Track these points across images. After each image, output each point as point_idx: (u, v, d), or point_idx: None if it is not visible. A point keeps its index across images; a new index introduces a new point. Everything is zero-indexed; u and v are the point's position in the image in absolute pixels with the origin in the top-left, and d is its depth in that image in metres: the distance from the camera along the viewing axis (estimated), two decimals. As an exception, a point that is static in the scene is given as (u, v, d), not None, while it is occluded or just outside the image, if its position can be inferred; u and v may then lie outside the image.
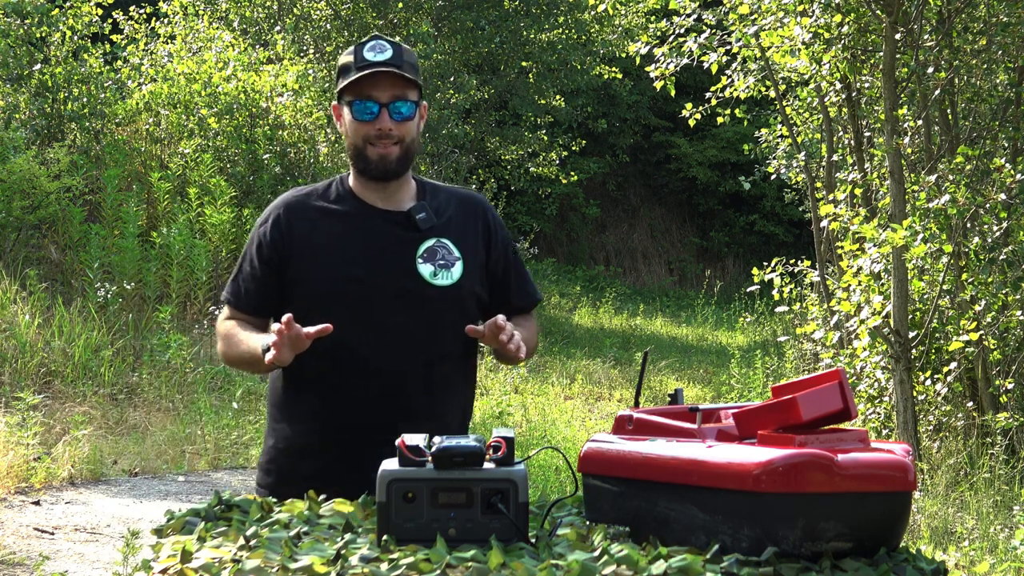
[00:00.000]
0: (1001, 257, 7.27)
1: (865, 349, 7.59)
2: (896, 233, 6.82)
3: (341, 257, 2.74)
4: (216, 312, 10.98)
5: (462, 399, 2.86)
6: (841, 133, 9.77)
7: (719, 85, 9.53)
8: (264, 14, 15.99)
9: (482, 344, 2.78)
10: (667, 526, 2.02)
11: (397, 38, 15.45)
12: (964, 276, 7.46)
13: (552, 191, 20.58)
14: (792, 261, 9.54)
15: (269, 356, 2.54)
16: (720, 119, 10.14)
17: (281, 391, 2.82)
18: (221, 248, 11.55)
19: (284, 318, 2.52)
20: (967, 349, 7.55)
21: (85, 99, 11.95)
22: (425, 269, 2.74)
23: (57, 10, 11.92)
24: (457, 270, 2.77)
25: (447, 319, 2.72)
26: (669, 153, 22.43)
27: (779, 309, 10.36)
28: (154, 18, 14.99)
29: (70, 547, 6.00)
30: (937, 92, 7.65)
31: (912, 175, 8.13)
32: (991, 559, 5.82)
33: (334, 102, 2.84)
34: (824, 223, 8.77)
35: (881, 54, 7.67)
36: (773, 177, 11.94)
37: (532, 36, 17.01)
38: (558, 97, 17.72)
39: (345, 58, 2.78)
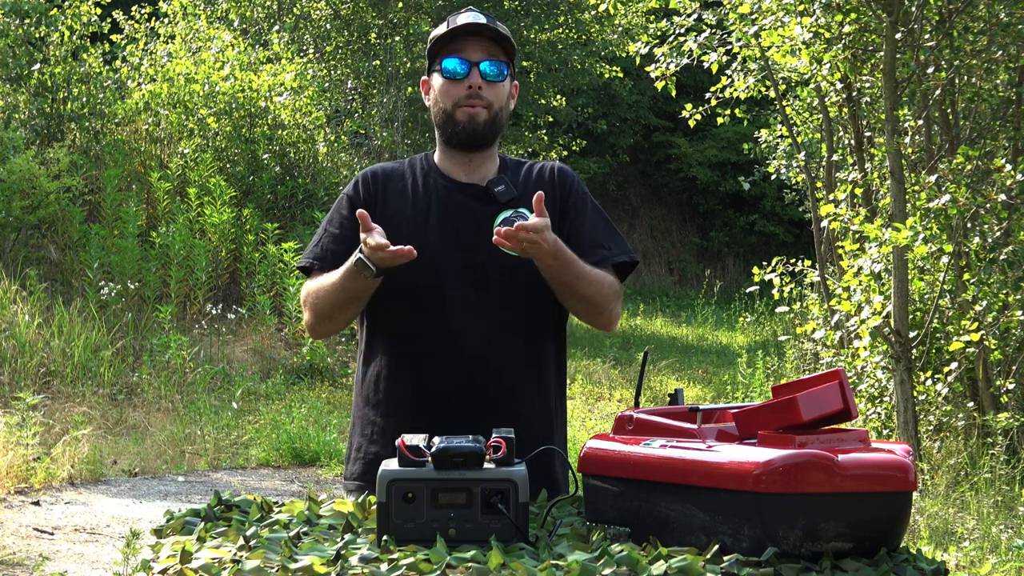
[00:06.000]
0: (1002, 257, 7.26)
1: (866, 349, 7.58)
2: (899, 233, 6.81)
3: (418, 229, 2.68)
4: (214, 311, 10.97)
5: (545, 379, 2.76)
6: (841, 133, 9.76)
7: (719, 85, 9.52)
8: (264, 14, 15.97)
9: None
10: (667, 526, 2.01)
11: (397, 38, 15.44)
12: (965, 276, 7.45)
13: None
14: (792, 261, 9.52)
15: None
16: (720, 119, 10.12)
17: (364, 374, 2.77)
18: (221, 248, 11.54)
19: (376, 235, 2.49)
20: (968, 349, 7.54)
21: (85, 99, 11.95)
22: None
23: (56, 10, 11.91)
24: None
25: (523, 290, 2.62)
26: (669, 153, 22.42)
27: (779, 309, 10.35)
28: (154, 18, 14.97)
29: (70, 547, 5.99)
30: (937, 92, 7.64)
31: (912, 175, 8.12)
32: (992, 559, 5.82)
33: (423, 77, 2.77)
34: (824, 223, 8.76)
35: (881, 54, 7.66)
36: (773, 177, 11.93)
37: (532, 36, 16.99)
38: (558, 97, 17.70)
39: (438, 29, 2.72)
